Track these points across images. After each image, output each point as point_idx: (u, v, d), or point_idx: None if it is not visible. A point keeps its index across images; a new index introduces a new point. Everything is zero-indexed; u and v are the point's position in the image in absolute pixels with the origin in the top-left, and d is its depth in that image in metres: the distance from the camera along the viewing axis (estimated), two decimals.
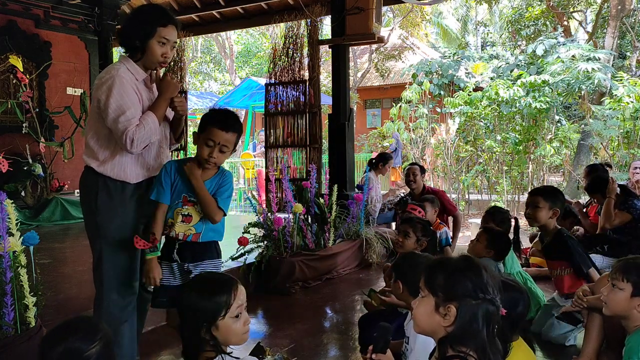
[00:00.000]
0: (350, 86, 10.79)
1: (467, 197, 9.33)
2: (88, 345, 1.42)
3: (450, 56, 13.70)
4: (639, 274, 2.15)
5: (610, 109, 7.93)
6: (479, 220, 5.34)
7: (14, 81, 6.81)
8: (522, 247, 3.90)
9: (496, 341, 1.45)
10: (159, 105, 2.35)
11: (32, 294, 2.42)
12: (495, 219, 3.75)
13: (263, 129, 8.43)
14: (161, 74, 2.51)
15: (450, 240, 4.72)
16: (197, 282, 1.76)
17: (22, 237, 2.42)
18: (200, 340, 1.58)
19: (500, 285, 1.49)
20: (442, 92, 12.29)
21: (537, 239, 5.08)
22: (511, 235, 3.77)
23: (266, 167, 6.57)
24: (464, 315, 1.42)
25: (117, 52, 11.29)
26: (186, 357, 1.65)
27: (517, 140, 8.47)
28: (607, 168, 5.38)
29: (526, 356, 2.05)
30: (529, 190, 8.68)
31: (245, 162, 12.79)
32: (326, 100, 9.62)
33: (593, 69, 8.86)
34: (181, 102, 2.45)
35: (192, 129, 14.55)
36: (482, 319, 1.42)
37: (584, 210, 4.97)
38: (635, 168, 5.88)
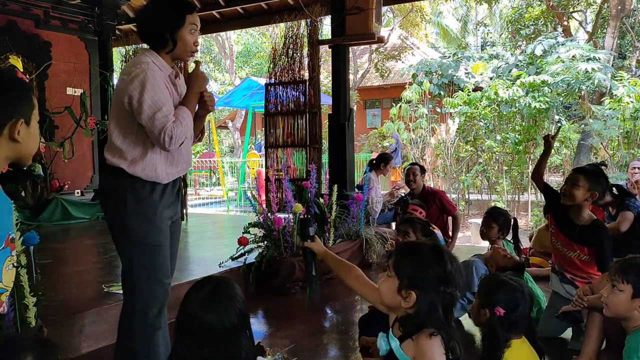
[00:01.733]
0: (350, 86, 10.79)
1: (467, 197, 9.34)
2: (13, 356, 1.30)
3: (450, 56, 13.71)
4: (638, 275, 2.14)
5: (610, 109, 7.94)
6: (479, 220, 5.35)
7: None
8: (522, 247, 3.90)
9: (454, 329, 1.58)
10: (189, 100, 2.22)
11: (32, 294, 2.42)
12: (496, 219, 3.74)
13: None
14: (189, 67, 2.37)
15: (444, 240, 4.70)
16: None
17: (22, 237, 2.42)
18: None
19: (465, 280, 1.67)
20: (441, 92, 12.31)
21: (534, 236, 5.10)
22: (510, 236, 3.77)
23: (266, 167, 6.57)
24: (422, 303, 1.54)
25: (117, 52, 11.29)
26: None
27: (517, 140, 8.47)
28: (603, 167, 5.38)
29: (527, 355, 2.05)
30: (529, 190, 8.74)
31: (252, 162, 12.82)
32: (326, 100, 9.63)
33: (593, 69, 8.87)
34: (210, 97, 2.33)
35: None
36: (440, 308, 1.54)
37: None
38: (634, 168, 5.88)
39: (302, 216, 2.03)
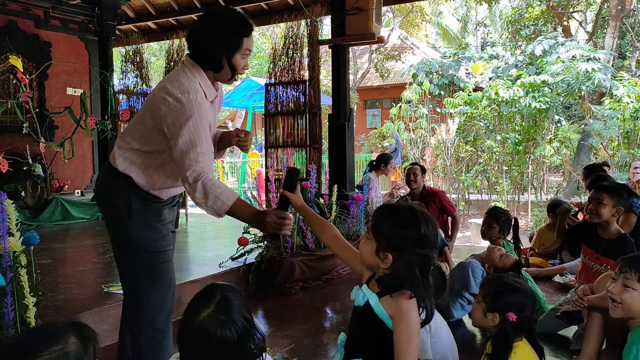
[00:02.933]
0: (350, 86, 10.80)
1: (467, 197, 9.34)
2: (37, 354, 1.28)
3: (450, 56, 13.71)
4: None
5: (610, 109, 7.94)
6: (479, 220, 5.35)
7: (14, 81, 6.81)
8: (522, 248, 3.90)
9: (430, 290, 1.61)
10: (245, 216, 2.05)
11: (32, 294, 2.42)
12: (496, 219, 3.75)
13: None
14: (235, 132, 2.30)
15: (446, 240, 4.71)
16: None
17: (22, 237, 2.42)
18: None
19: (438, 243, 1.69)
20: (442, 92, 12.31)
21: (535, 237, 5.10)
22: (511, 236, 3.77)
23: (266, 167, 6.57)
24: (399, 264, 1.59)
25: (117, 52, 11.29)
26: None
27: (517, 140, 8.47)
28: (605, 167, 5.38)
29: (530, 357, 2.05)
30: (529, 190, 8.74)
31: (252, 163, 12.82)
32: (326, 100, 9.63)
33: (593, 69, 8.87)
34: (245, 141, 2.26)
35: None
36: (417, 269, 1.58)
37: (582, 209, 4.98)
38: (636, 168, 5.88)
39: (289, 167, 2.06)
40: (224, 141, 2.31)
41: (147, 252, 2.12)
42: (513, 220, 3.81)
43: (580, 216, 4.91)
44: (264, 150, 7.13)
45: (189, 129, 1.95)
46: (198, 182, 1.94)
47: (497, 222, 3.69)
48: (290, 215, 2.00)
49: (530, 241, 5.24)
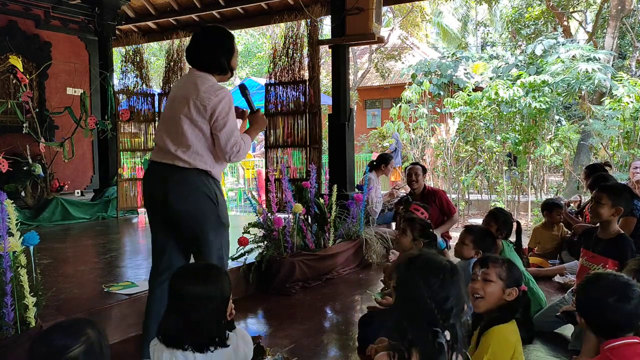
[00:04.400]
0: (350, 86, 10.79)
1: (467, 197, 9.33)
2: (70, 347, 1.44)
3: (449, 56, 13.70)
4: None
5: (610, 109, 7.92)
6: (479, 221, 5.34)
7: (14, 81, 6.81)
8: (522, 248, 3.91)
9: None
10: (252, 134, 2.85)
11: (32, 294, 2.42)
12: (496, 218, 3.75)
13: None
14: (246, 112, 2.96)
15: (443, 241, 4.69)
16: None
17: (22, 237, 2.42)
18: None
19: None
20: (441, 92, 12.29)
21: (531, 235, 5.10)
22: (513, 238, 3.77)
23: (266, 167, 6.57)
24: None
25: (117, 52, 11.29)
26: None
27: (517, 140, 8.47)
28: (607, 167, 5.38)
29: (511, 334, 2.12)
30: (529, 190, 8.73)
31: (245, 162, 12.79)
32: (326, 100, 9.62)
33: (593, 69, 8.86)
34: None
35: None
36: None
37: (582, 209, 4.98)
38: (636, 168, 5.87)
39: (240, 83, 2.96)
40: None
41: (227, 229, 2.75)
42: (516, 223, 3.81)
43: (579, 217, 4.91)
44: (263, 149, 7.13)
45: (232, 115, 2.61)
46: (239, 152, 2.64)
47: (496, 222, 3.70)
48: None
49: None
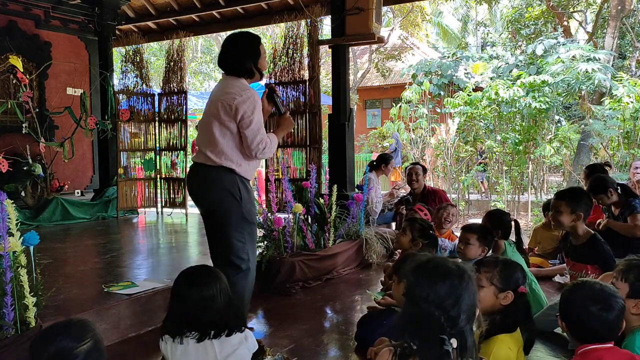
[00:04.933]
0: (350, 86, 10.79)
1: (467, 197, 9.33)
2: (76, 345, 1.47)
3: (449, 56, 13.70)
4: (636, 276, 2.15)
5: (610, 109, 7.93)
6: (479, 221, 5.34)
7: (14, 81, 6.81)
8: (523, 247, 3.90)
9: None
10: (279, 134, 3.03)
11: (32, 294, 2.42)
12: (496, 221, 3.74)
13: None
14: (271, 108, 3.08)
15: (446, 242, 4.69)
16: None
17: (22, 237, 2.42)
18: None
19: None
20: (441, 92, 12.30)
21: (531, 235, 5.09)
22: (513, 237, 3.77)
23: (266, 167, 6.56)
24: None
25: (117, 52, 11.29)
26: None
27: (517, 140, 8.46)
28: (607, 168, 5.37)
29: (510, 346, 2.09)
30: (529, 190, 8.74)
31: None
32: (326, 100, 9.62)
33: (593, 69, 8.86)
34: (275, 91, 3.10)
35: (191, 129, 14.53)
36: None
37: None
38: (636, 168, 5.87)
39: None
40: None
41: (252, 224, 2.90)
42: (514, 222, 3.81)
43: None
44: None
45: (258, 114, 2.77)
46: (265, 149, 2.81)
47: (495, 224, 3.69)
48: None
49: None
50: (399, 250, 4.19)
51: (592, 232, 3.24)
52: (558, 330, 3.17)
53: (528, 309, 2.12)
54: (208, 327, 2.06)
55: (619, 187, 4.30)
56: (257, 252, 4.34)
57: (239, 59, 2.85)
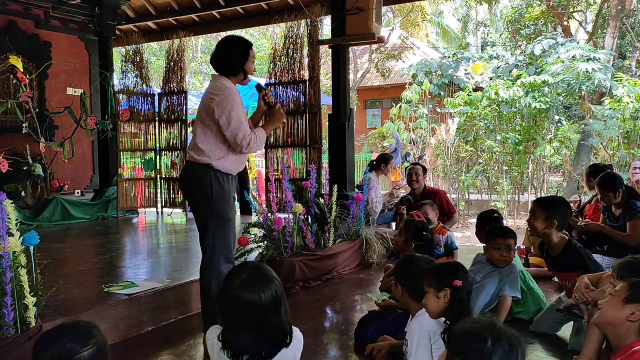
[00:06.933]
0: (350, 86, 10.79)
1: (467, 197, 9.34)
2: (80, 349, 1.45)
3: (449, 56, 13.70)
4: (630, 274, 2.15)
5: (610, 109, 7.93)
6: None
7: (14, 81, 6.81)
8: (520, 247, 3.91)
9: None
10: (268, 128, 3.11)
11: (32, 294, 2.42)
12: (486, 221, 3.77)
13: None
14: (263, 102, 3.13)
15: (455, 243, 4.68)
16: None
17: (22, 237, 2.41)
18: None
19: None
20: (441, 92, 12.30)
21: (525, 234, 5.09)
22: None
23: (266, 167, 6.56)
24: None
25: (117, 52, 11.28)
26: None
27: (517, 140, 8.47)
28: (607, 169, 5.36)
29: None
30: (529, 190, 8.75)
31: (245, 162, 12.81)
32: (326, 100, 9.62)
33: (593, 69, 8.87)
34: (268, 94, 3.16)
35: (190, 128, 14.51)
36: None
37: (582, 208, 4.97)
38: (635, 168, 5.87)
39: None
40: (255, 118, 3.17)
41: (221, 219, 2.93)
42: (495, 214, 3.86)
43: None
44: (263, 150, 7.12)
45: (236, 112, 2.84)
46: (250, 144, 2.89)
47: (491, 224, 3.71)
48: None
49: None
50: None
51: (566, 238, 3.21)
52: (558, 331, 3.17)
53: (465, 302, 2.06)
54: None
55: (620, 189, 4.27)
56: (257, 252, 4.36)
57: (227, 55, 2.97)
